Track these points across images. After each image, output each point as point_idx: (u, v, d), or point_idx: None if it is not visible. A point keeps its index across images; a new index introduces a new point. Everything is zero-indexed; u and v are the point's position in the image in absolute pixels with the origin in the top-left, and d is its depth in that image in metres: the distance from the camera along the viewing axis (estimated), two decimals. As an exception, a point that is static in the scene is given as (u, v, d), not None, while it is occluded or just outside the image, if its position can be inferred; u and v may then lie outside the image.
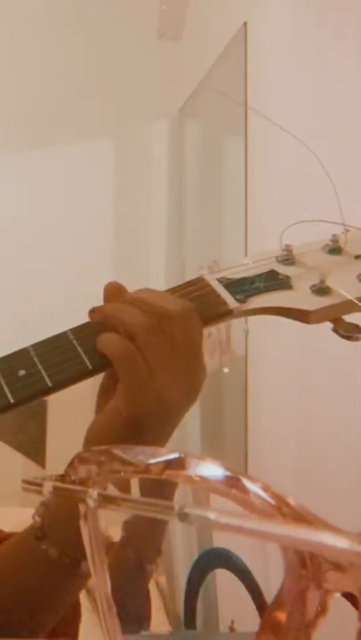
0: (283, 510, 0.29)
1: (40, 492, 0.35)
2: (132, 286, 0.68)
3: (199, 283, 0.68)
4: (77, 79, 2.72)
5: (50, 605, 0.70)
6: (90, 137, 2.76)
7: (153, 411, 0.62)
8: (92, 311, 0.65)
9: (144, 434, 0.62)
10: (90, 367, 0.63)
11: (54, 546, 0.65)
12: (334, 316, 0.66)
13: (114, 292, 0.66)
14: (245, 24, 2.01)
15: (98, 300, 0.67)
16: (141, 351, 0.61)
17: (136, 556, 1.04)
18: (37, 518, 0.66)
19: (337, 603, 0.29)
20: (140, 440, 0.62)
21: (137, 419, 0.62)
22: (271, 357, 1.86)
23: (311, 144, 0.73)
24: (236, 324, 1.94)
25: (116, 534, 1.07)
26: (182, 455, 0.33)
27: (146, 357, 0.61)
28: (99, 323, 0.64)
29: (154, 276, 2.64)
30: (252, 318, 0.69)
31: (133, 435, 0.62)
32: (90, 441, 0.63)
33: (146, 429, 0.62)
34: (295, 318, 0.67)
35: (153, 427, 0.63)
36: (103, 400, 0.66)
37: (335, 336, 0.66)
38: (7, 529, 0.77)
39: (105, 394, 0.66)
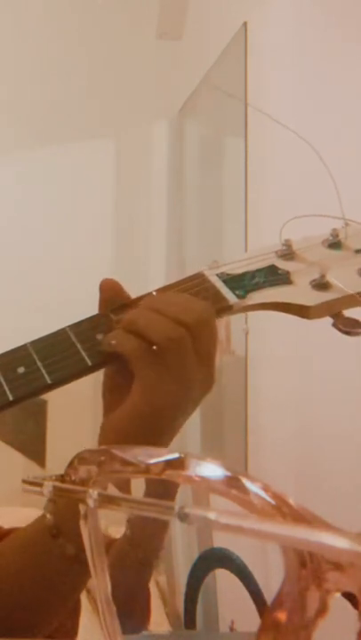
0: (283, 510, 0.29)
1: (40, 492, 0.35)
2: (132, 286, 0.68)
3: (199, 278, 0.68)
4: (77, 79, 2.72)
5: (63, 600, 0.70)
6: (90, 137, 2.76)
7: (168, 410, 0.63)
8: (123, 321, 0.65)
9: (159, 434, 0.63)
10: (89, 364, 0.63)
11: (70, 542, 0.65)
12: (334, 311, 0.66)
13: (110, 288, 0.66)
14: (245, 24, 2.01)
15: (97, 300, 0.67)
16: (163, 356, 0.62)
17: (140, 553, 1.04)
18: (49, 516, 0.66)
19: (337, 603, 0.29)
20: (155, 440, 0.62)
21: (153, 418, 0.62)
22: (271, 357, 1.86)
23: (311, 142, 0.73)
24: (235, 323, 1.94)
25: (116, 533, 1.07)
26: (182, 455, 0.33)
27: (167, 362, 0.62)
28: (101, 322, 0.64)
29: (154, 275, 2.64)
30: (251, 318, 0.70)
31: (150, 430, 0.62)
32: (108, 438, 0.64)
33: (161, 429, 0.63)
34: (295, 314, 0.67)
35: (166, 426, 0.63)
36: (109, 398, 0.66)
37: (335, 334, 0.66)
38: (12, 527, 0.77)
39: (110, 391, 0.66)
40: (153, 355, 0.62)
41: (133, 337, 0.62)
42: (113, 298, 0.66)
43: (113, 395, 0.65)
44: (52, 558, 0.66)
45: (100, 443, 0.64)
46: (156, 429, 0.63)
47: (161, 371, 0.62)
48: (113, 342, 0.63)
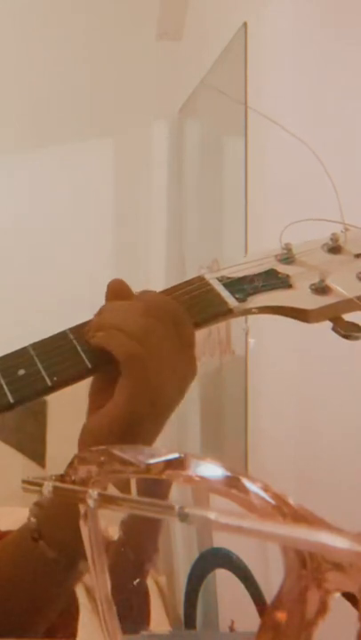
0: (283, 510, 0.29)
1: (40, 492, 0.35)
2: (132, 286, 0.68)
3: (199, 282, 0.68)
4: (77, 79, 2.72)
5: (48, 603, 0.70)
6: (90, 137, 2.76)
7: (152, 409, 0.62)
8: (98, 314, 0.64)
9: (141, 432, 0.62)
10: (89, 366, 0.63)
11: (51, 546, 0.65)
12: (334, 315, 0.66)
13: (117, 289, 0.66)
14: (245, 24, 2.01)
15: (98, 300, 0.67)
16: (146, 352, 0.62)
17: (135, 555, 1.04)
18: (32, 519, 0.66)
19: (337, 603, 0.29)
20: (137, 438, 0.62)
21: (137, 417, 0.62)
22: (271, 357, 1.86)
23: (311, 143, 0.73)
24: (236, 323, 1.94)
25: (115, 534, 1.07)
26: (182, 455, 0.33)
27: (150, 358, 0.62)
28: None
29: (154, 275, 2.64)
30: (251, 318, 0.70)
31: (131, 434, 0.62)
32: (87, 441, 0.63)
33: (144, 428, 0.62)
34: (295, 317, 0.67)
35: (150, 425, 0.63)
36: (95, 399, 0.65)
37: (335, 336, 0.66)
38: (7, 529, 0.77)
39: (97, 392, 0.66)
40: (144, 355, 0.61)
41: (123, 335, 0.62)
42: (118, 298, 0.66)
43: (99, 396, 0.65)
44: (33, 561, 0.66)
45: (80, 443, 0.64)
46: (137, 433, 0.62)
47: (149, 371, 0.62)
48: (104, 341, 0.63)
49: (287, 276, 0.68)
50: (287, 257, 0.69)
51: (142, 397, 0.62)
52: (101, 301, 0.67)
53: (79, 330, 0.65)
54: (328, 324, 0.66)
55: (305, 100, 1.68)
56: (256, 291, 0.67)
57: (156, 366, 0.62)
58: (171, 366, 0.63)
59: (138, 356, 0.61)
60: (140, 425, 0.62)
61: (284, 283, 0.68)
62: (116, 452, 0.35)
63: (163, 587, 2.23)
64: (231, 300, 0.66)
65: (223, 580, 1.96)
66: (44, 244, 2.67)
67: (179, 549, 2.32)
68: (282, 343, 1.68)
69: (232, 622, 1.81)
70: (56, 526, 0.64)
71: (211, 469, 0.31)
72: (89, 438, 0.63)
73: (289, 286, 0.67)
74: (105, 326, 0.63)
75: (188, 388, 0.64)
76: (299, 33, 1.76)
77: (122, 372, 0.62)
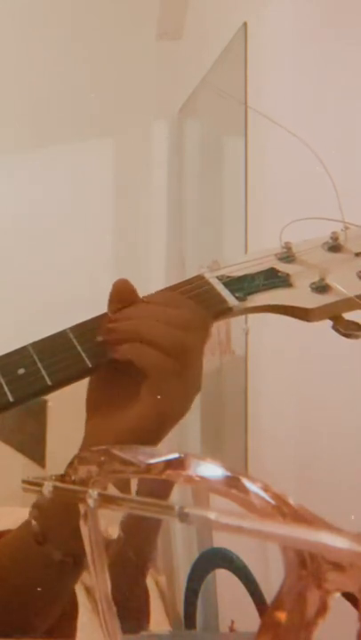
0: (283, 510, 0.29)
1: (40, 492, 0.35)
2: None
3: (198, 281, 0.68)
4: (77, 79, 2.72)
5: (51, 604, 0.70)
6: (89, 137, 2.76)
7: (175, 418, 0.62)
8: (113, 323, 0.63)
9: (158, 441, 0.62)
10: (89, 365, 0.63)
11: (56, 548, 0.65)
12: (334, 314, 0.66)
13: (122, 290, 0.66)
14: (245, 24, 2.01)
15: (98, 300, 0.67)
16: (180, 369, 0.61)
17: (135, 554, 1.04)
18: (34, 523, 0.65)
19: (337, 603, 0.29)
20: (154, 445, 0.62)
21: (159, 428, 0.62)
22: (271, 357, 1.86)
23: (311, 143, 0.73)
24: (236, 323, 1.94)
25: (115, 534, 1.07)
26: (182, 455, 0.33)
27: (182, 374, 0.61)
28: (101, 324, 0.64)
29: (154, 275, 2.64)
30: (252, 318, 0.70)
31: (150, 442, 0.61)
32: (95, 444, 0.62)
33: (161, 437, 0.62)
34: (295, 316, 0.67)
35: (167, 432, 0.63)
36: (94, 397, 0.65)
37: (335, 335, 0.66)
38: (6, 528, 0.77)
39: (96, 390, 0.65)
40: (173, 369, 0.61)
41: (153, 351, 0.60)
42: (122, 299, 0.65)
43: (99, 394, 0.65)
44: (38, 565, 0.66)
45: (85, 447, 0.63)
46: (153, 440, 0.62)
47: (180, 386, 0.61)
48: (134, 357, 0.61)
49: (287, 274, 0.68)
50: (287, 256, 0.69)
51: (169, 409, 0.62)
52: (102, 301, 0.66)
53: (79, 329, 0.65)
54: (328, 323, 0.66)
55: (305, 100, 1.68)
56: (256, 289, 0.67)
57: (185, 380, 0.61)
58: (194, 376, 0.63)
59: (172, 375, 0.61)
60: (158, 435, 0.62)
61: (284, 281, 0.68)
62: (116, 452, 0.35)
63: (163, 587, 2.23)
64: (231, 299, 0.66)
65: (223, 580, 1.96)
66: (43, 244, 2.67)
67: (179, 549, 2.32)
68: (282, 343, 1.68)
69: (232, 622, 1.81)
70: (59, 527, 0.63)
71: (211, 469, 0.31)
72: (98, 441, 0.62)
73: (289, 285, 0.67)
74: (134, 337, 0.62)
75: (198, 391, 0.64)
76: (299, 33, 1.76)
77: (151, 384, 0.61)
